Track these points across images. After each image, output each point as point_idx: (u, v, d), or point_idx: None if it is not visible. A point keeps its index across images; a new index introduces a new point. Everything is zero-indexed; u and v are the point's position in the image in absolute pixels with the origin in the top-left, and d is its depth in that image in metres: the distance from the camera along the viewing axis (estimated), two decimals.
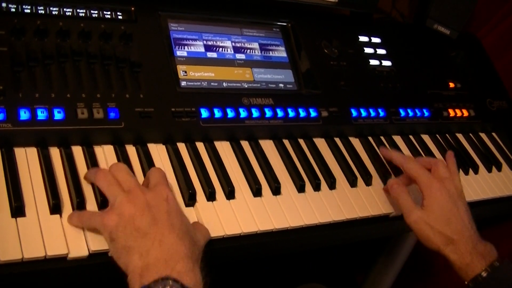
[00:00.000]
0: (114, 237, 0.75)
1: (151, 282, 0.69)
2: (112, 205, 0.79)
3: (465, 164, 1.28)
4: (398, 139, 1.26)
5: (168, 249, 0.74)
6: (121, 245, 0.75)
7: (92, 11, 1.01)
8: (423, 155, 1.24)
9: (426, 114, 1.30)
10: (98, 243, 0.78)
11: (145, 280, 0.70)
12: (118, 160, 0.92)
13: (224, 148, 1.03)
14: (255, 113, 1.05)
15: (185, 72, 1.05)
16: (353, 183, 1.09)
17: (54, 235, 0.77)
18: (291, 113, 1.10)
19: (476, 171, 1.29)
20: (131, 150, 0.95)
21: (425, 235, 0.97)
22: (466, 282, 0.94)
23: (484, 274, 0.92)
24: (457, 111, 1.36)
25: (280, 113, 1.08)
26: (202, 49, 1.10)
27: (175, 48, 1.06)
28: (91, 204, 0.83)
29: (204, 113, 1.01)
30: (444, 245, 0.95)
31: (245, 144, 1.05)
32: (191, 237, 0.79)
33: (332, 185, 1.06)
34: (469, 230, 0.96)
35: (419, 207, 0.99)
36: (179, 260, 0.73)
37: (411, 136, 1.28)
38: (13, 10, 0.94)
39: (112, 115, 0.91)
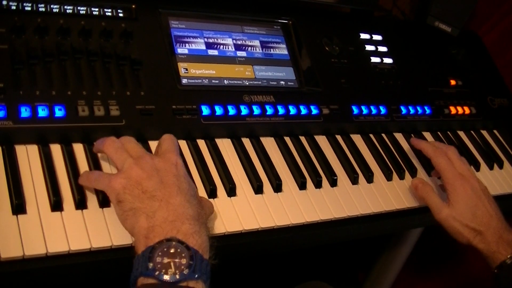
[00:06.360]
0: (121, 199, 0.75)
1: (156, 242, 0.69)
2: (121, 169, 0.78)
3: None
4: (399, 136, 1.26)
5: (175, 210, 0.73)
6: (128, 207, 0.74)
7: (92, 9, 1.01)
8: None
9: (427, 111, 1.30)
10: (99, 240, 0.78)
11: (150, 241, 0.69)
12: None
13: (225, 145, 1.03)
14: (256, 110, 1.05)
15: (186, 69, 1.05)
16: (354, 180, 1.08)
17: (55, 232, 0.77)
18: (292, 111, 1.09)
19: (477, 169, 1.28)
20: None
21: (456, 230, 1.02)
22: (492, 269, 1.00)
23: (508, 261, 0.98)
24: (458, 108, 1.36)
25: (281, 111, 1.08)
26: (203, 47, 1.10)
27: (176, 45, 1.06)
28: (92, 201, 0.83)
29: (205, 111, 1.00)
30: (473, 237, 1.01)
31: (246, 142, 1.05)
32: (198, 200, 0.79)
33: (333, 182, 1.06)
34: (496, 221, 1.02)
35: (447, 204, 1.03)
36: (185, 222, 0.72)
37: (412, 134, 1.28)
38: (13, 7, 0.94)
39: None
